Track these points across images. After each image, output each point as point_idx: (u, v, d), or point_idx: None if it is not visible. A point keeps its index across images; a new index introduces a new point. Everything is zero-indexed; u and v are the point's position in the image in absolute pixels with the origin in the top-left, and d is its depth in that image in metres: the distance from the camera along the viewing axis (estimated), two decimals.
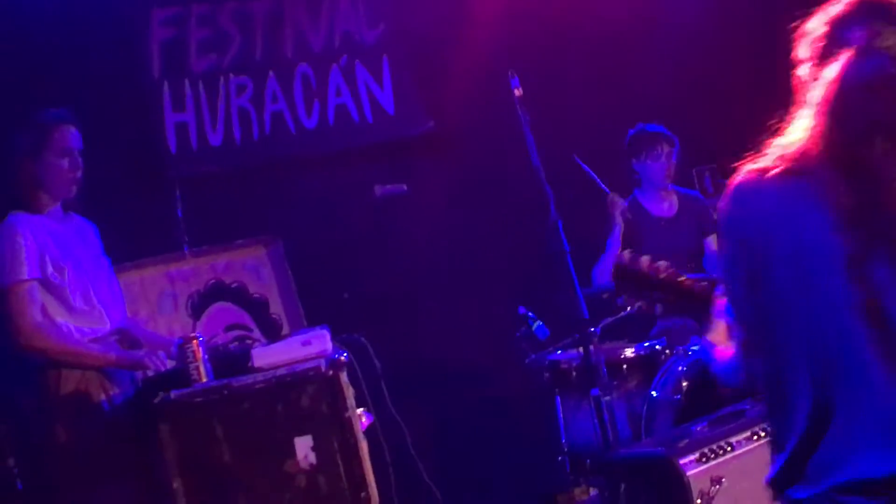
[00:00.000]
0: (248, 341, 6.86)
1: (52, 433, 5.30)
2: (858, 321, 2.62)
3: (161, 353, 5.53)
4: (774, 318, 2.66)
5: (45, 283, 5.38)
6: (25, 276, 5.28)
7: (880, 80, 2.71)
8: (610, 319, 6.60)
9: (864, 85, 2.71)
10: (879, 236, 2.61)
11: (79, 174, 5.50)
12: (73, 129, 5.51)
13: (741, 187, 2.75)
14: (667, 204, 7.40)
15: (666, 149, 7.11)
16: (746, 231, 2.70)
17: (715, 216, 7.23)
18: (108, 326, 5.54)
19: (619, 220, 7.09)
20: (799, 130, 2.73)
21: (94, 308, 5.52)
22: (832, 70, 2.73)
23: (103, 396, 5.41)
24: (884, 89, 2.67)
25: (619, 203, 6.79)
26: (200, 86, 7.57)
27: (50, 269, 5.36)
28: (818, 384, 2.62)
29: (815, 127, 2.69)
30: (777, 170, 2.74)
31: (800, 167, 2.68)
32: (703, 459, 4.93)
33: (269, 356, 5.15)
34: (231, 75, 7.67)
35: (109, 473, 5.24)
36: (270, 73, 7.81)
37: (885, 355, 2.61)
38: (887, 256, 2.61)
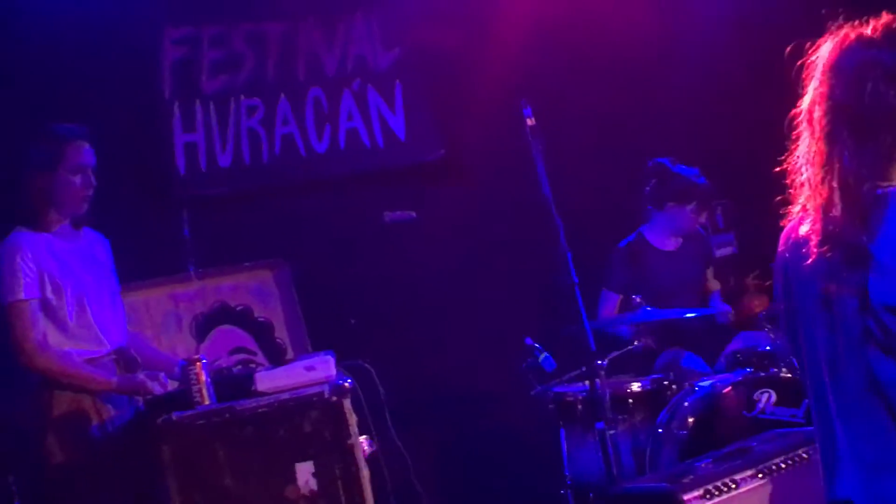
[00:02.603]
0: (252, 365, 6.85)
1: (47, 452, 5.30)
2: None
3: (162, 374, 5.51)
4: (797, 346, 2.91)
5: (43, 304, 5.37)
6: (23, 296, 5.27)
7: None
8: (617, 353, 6.55)
9: None
10: None
11: (90, 191, 5.48)
12: (86, 146, 5.48)
13: (785, 229, 2.99)
14: (671, 238, 7.37)
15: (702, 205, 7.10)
16: (777, 268, 2.99)
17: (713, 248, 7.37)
18: (106, 348, 5.52)
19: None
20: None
21: (91, 329, 5.49)
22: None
23: (96, 419, 5.40)
24: None
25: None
26: (211, 106, 7.58)
27: (48, 290, 5.36)
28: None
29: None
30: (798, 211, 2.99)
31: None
32: (707, 496, 4.82)
33: (272, 380, 5.10)
34: (242, 97, 7.69)
35: (106, 493, 5.23)
36: (282, 95, 7.80)
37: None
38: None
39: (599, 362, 5.99)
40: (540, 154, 5.98)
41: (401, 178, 8.09)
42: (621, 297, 7.32)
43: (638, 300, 6.95)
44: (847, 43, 2.83)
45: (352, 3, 8.13)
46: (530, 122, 5.99)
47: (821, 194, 2.80)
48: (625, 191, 7.63)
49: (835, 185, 2.78)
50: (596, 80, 8.03)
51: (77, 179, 5.39)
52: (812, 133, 2.86)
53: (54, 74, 6.76)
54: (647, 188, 6.96)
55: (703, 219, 7.43)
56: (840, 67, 2.84)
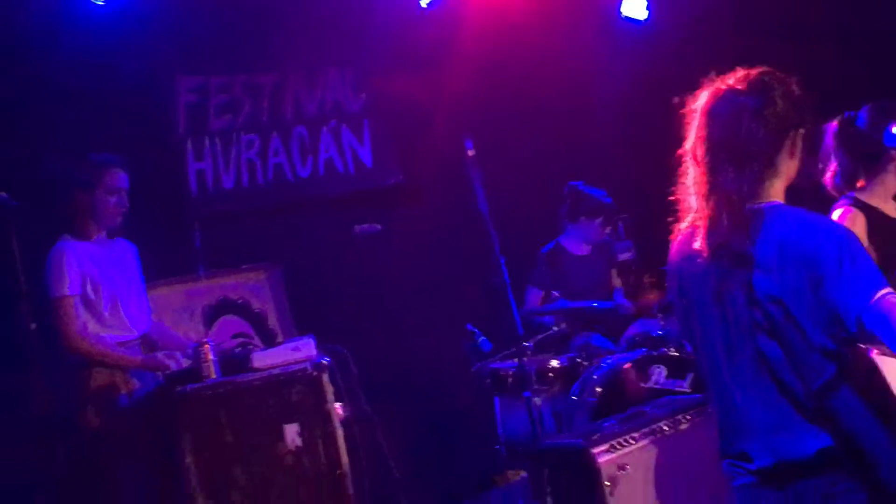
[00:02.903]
0: (250, 347, 6.60)
1: (86, 420, 5.38)
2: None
3: (178, 354, 5.54)
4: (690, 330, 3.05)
5: (83, 299, 5.45)
6: (68, 293, 5.35)
7: None
8: (540, 336, 6.70)
9: None
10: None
11: (124, 209, 5.56)
12: (121, 172, 5.56)
13: (675, 242, 3.09)
14: (583, 245, 7.45)
15: (608, 219, 7.11)
16: (671, 273, 3.10)
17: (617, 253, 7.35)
18: (133, 334, 5.60)
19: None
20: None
21: (121, 319, 5.58)
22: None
23: (125, 390, 5.45)
24: None
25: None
26: (217, 141, 7.65)
27: (88, 288, 5.44)
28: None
29: None
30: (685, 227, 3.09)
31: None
32: (612, 450, 5.02)
33: (266, 359, 5.23)
34: (242, 133, 7.72)
35: (132, 453, 5.29)
36: (273, 132, 7.85)
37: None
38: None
39: (526, 344, 6.08)
40: (478, 179, 6.00)
41: (368, 197, 8.11)
42: (543, 292, 7.33)
43: (556, 295, 7.08)
44: (719, 93, 2.98)
45: (328, 59, 8.13)
46: (470, 153, 6.03)
47: (708, 213, 2.92)
48: (548, 207, 7.57)
49: (720, 204, 2.91)
50: (527, 120, 8.08)
51: (113, 199, 5.47)
52: (697, 166, 2.98)
53: (94, 115, 6.72)
54: (564, 206, 6.93)
55: (608, 230, 7.34)
56: (717, 112, 2.96)
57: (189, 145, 7.58)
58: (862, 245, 2.83)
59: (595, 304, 7.08)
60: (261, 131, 7.86)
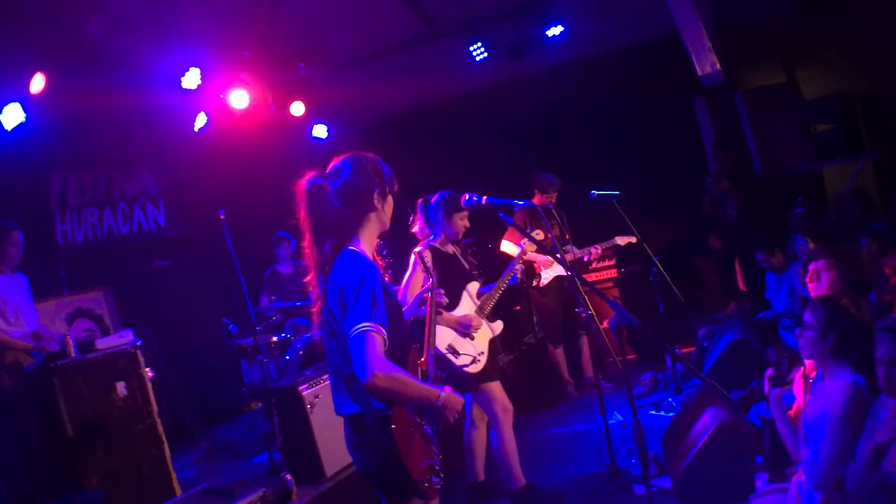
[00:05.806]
0: (94, 336, 6.58)
1: (2, 380, 5.97)
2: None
3: (53, 342, 6.14)
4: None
5: None
6: None
7: None
8: (266, 322, 7.78)
9: None
10: None
11: (20, 255, 6.31)
12: (20, 233, 6.27)
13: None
14: (290, 266, 7.98)
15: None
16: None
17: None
18: (27, 329, 6.28)
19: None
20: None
21: (20, 321, 6.27)
22: None
23: (25, 363, 6.09)
24: None
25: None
26: (74, 212, 8.73)
27: (0, 302, 6.11)
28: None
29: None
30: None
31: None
32: (310, 387, 5.74)
33: (105, 343, 5.93)
34: (88, 207, 8.81)
35: (28, 401, 5.88)
36: (107, 206, 8.98)
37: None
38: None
39: (258, 328, 6.86)
40: (227, 233, 6.42)
41: (163, 244, 9.19)
42: (269, 297, 8.01)
43: (274, 298, 7.95)
44: (307, 178, 3.11)
45: (139, 162, 9.20)
46: (223, 216, 6.45)
47: (316, 259, 3.08)
48: (268, 251, 8.38)
49: (315, 252, 3.07)
50: (255, 197, 8.31)
51: (15, 249, 6.26)
52: (306, 229, 3.10)
53: (2, 195, 7.29)
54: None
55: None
56: (304, 193, 3.09)
57: (57, 215, 8.58)
58: (376, 285, 2.88)
59: (297, 304, 7.75)
60: (99, 206, 8.90)
